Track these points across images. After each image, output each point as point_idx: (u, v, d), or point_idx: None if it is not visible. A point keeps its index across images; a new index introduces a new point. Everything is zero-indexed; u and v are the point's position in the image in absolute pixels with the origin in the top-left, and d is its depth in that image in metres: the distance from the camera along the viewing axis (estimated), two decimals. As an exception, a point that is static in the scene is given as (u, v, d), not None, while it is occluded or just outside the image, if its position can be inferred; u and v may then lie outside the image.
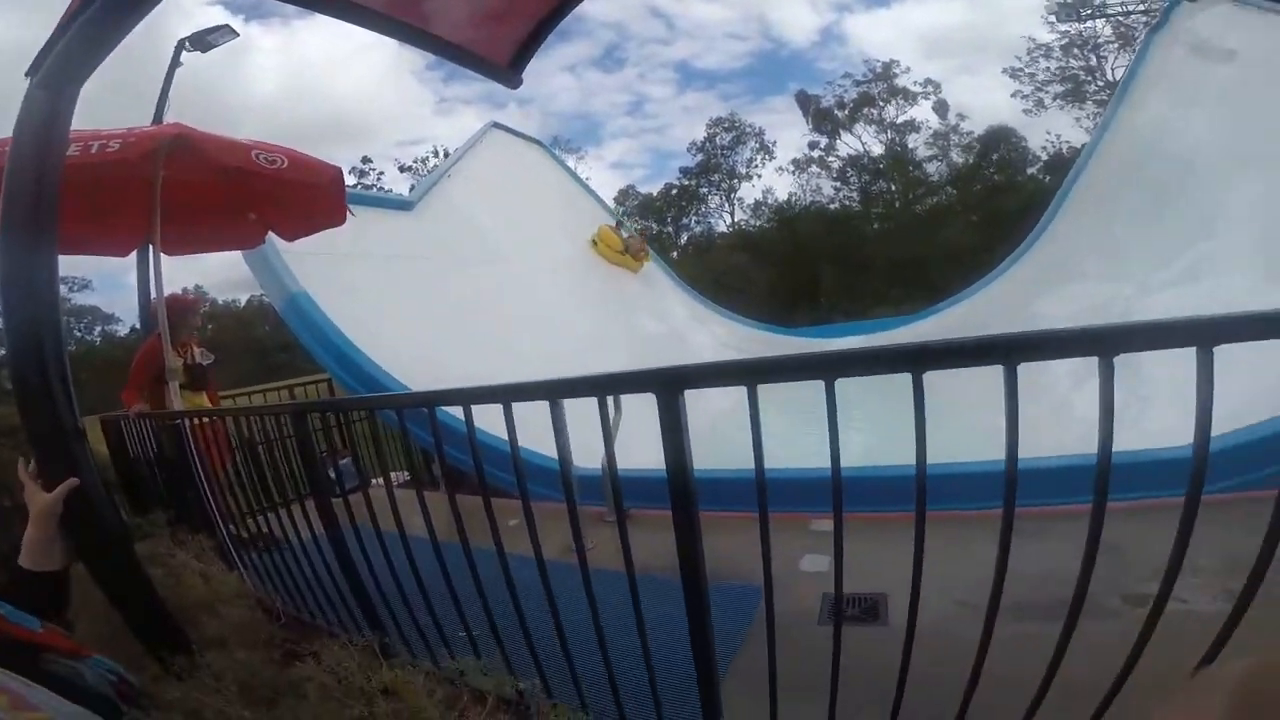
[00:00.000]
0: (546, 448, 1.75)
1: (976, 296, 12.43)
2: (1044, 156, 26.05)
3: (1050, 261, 11.10)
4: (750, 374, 1.20)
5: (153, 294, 3.77)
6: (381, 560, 2.06)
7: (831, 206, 29.39)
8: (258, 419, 2.68)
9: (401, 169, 32.23)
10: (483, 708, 1.76)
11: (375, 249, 7.88)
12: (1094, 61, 25.80)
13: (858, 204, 29.03)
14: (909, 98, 28.21)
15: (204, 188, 3.53)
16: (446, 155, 29.43)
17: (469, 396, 1.63)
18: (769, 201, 31.20)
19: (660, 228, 31.96)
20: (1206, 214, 7.77)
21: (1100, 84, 24.95)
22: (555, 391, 1.43)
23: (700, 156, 31.83)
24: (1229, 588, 1.17)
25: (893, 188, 28.55)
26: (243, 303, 37.97)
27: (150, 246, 3.74)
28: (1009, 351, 1.01)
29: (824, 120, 29.46)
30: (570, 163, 23.69)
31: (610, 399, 1.52)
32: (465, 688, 1.85)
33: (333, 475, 2.97)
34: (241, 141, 3.08)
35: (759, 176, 31.72)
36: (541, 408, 1.49)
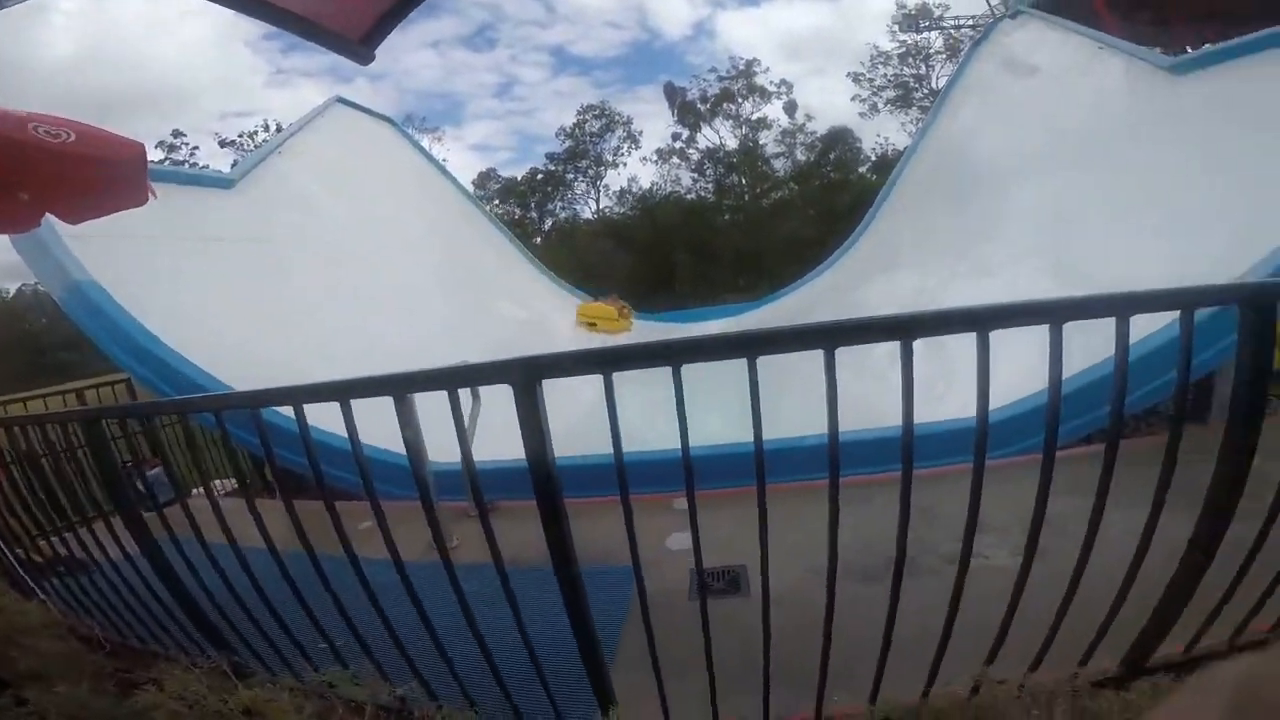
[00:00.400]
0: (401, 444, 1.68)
1: (809, 285, 13.72)
2: (873, 157, 28.94)
3: (872, 254, 12.46)
4: (606, 363, 1.24)
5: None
6: (216, 577, 1.87)
7: (689, 197, 30.50)
8: (36, 429, 2.29)
9: (222, 144, 28.49)
10: (361, 718, 1.67)
11: (185, 231, 6.87)
12: (923, 70, 28.99)
13: (712, 195, 30.38)
14: (764, 96, 29.87)
15: None
16: (279, 129, 26.54)
17: (301, 395, 1.51)
18: (633, 190, 31.73)
19: (523, 213, 31.25)
20: (998, 213, 8.87)
21: (926, 92, 27.96)
22: (400, 386, 1.37)
23: (569, 143, 31.50)
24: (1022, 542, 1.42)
25: (743, 181, 30.18)
26: (11, 292, 31.58)
27: None
28: (833, 336, 1.15)
29: (687, 113, 30.40)
30: (425, 142, 22.33)
31: (469, 390, 1.50)
32: (338, 700, 1.75)
33: (142, 488, 2.62)
34: (15, 112, 2.55)
35: (625, 165, 32.13)
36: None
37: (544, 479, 1.33)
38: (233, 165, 25.21)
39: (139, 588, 2.14)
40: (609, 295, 15.16)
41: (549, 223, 32.02)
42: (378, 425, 1.68)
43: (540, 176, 31.81)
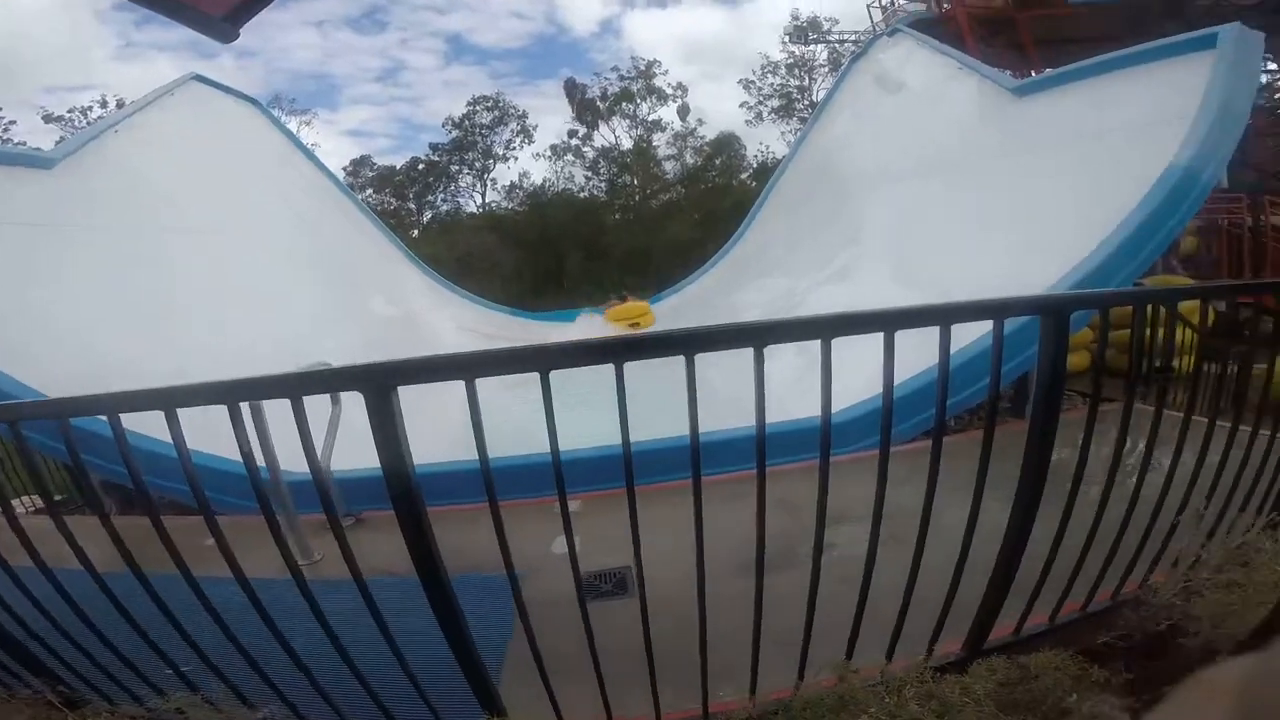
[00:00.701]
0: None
1: (690, 287, 14.20)
2: (755, 164, 30.30)
3: (747, 258, 13.09)
4: (465, 368, 1.18)
5: None
6: (24, 601, 1.63)
7: (581, 195, 30.37)
8: None
9: (47, 119, 24.46)
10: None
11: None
12: (806, 82, 30.48)
13: (604, 194, 30.50)
14: (661, 98, 30.25)
15: None
16: (120, 105, 23.09)
17: (117, 402, 1.31)
18: (524, 185, 31.03)
19: (400, 203, 29.60)
20: (860, 222, 9.48)
21: (807, 102, 29.35)
22: (239, 393, 1.22)
23: (456, 133, 30.14)
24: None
25: (635, 182, 30.56)
26: None
27: None
28: (687, 344, 1.18)
29: (586, 110, 30.17)
30: (293, 126, 20.43)
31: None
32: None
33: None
34: None
35: (516, 159, 31.34)
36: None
37: (402, 488, 1.26)
38: (58, 142, 21.66)
39: None
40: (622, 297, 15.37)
41: (429, 215, 30.62)
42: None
43: (422, 166, 30.23)
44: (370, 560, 1.58)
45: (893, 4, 17.79)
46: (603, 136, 30.72)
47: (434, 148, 30.37)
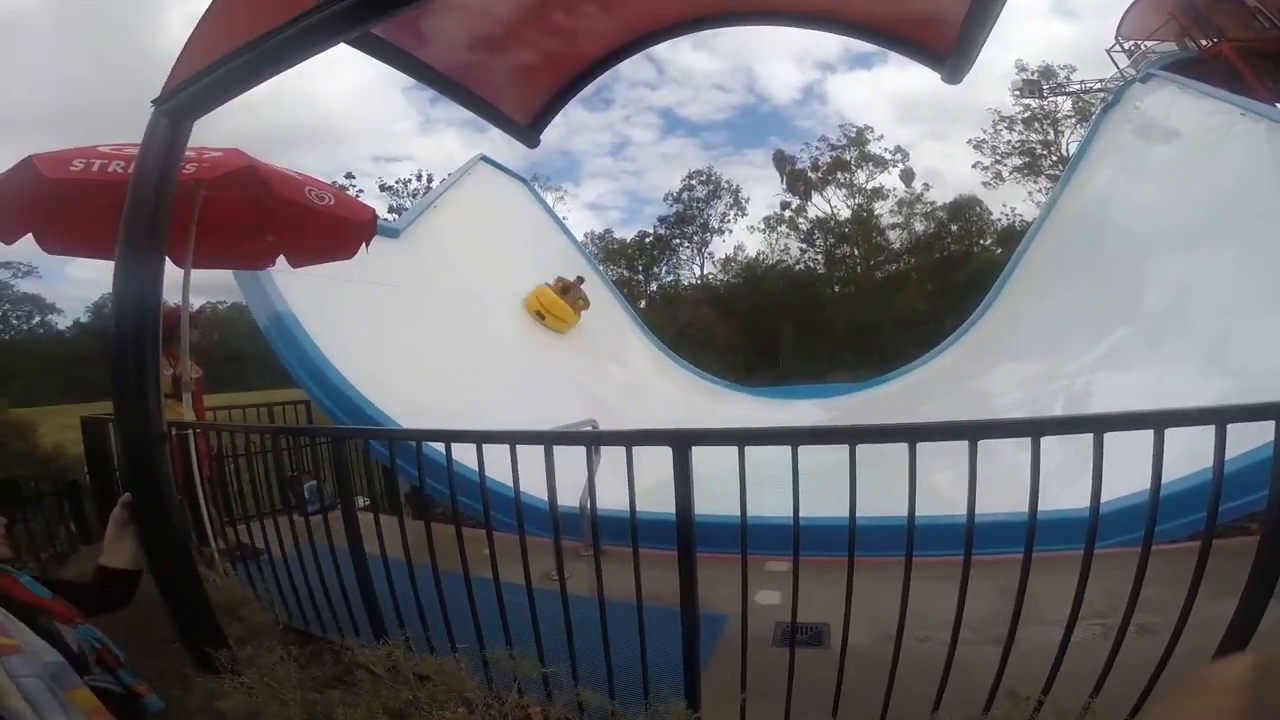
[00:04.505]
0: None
1: (922, 368, 13.12)
2: (998, 228, 27.37)
3: (994, 335, 11.65)
4: (737, 439, 1.58)
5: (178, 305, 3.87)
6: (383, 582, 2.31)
7: (797, 267, 30.29)
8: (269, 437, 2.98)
9: (382, 188, 32.01)
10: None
11: (358, 274, 8.06)
12: (1051, 136, 27.20)
13: (821, 266, 30.01)
14: (879, 164, 29.28)
15: (234, 208, 3.68)
16: (430, 180, 29.84)
17: (484, 437, 1.94)
18: (738, 257, 32.03)
19: (631, 274, 32.41)
20: (1135, 294, 8.11)
21: (1055, 159, 26.27)
22: (554, 439, 1.77)
23: (677, 207, 32.48)
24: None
25: (855, 252, 29.61)
26: (194, 308, 36.91)
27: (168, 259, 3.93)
28: (904, 434, 1.43)
29: (797, 181, 30.17)
30: (550, 200, 24.11)
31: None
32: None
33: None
34: (295, 176, 3.34)
35: (730, 231, 32.76)
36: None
37: (685, 529, 1.67)
38: (388, 209, 28.15)
39: (314, 580, 2.60)
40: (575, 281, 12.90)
41: (654, 286, 32.97)
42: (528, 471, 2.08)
43: (648, 240, 33.03)
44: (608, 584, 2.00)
45: (1138, 47, 15.65)
46: (817, 207, 30.41)
47: (661, 220, 32.97)
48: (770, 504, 1.71)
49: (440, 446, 2.01)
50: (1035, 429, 1.48)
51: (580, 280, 12.78)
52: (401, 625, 2.27)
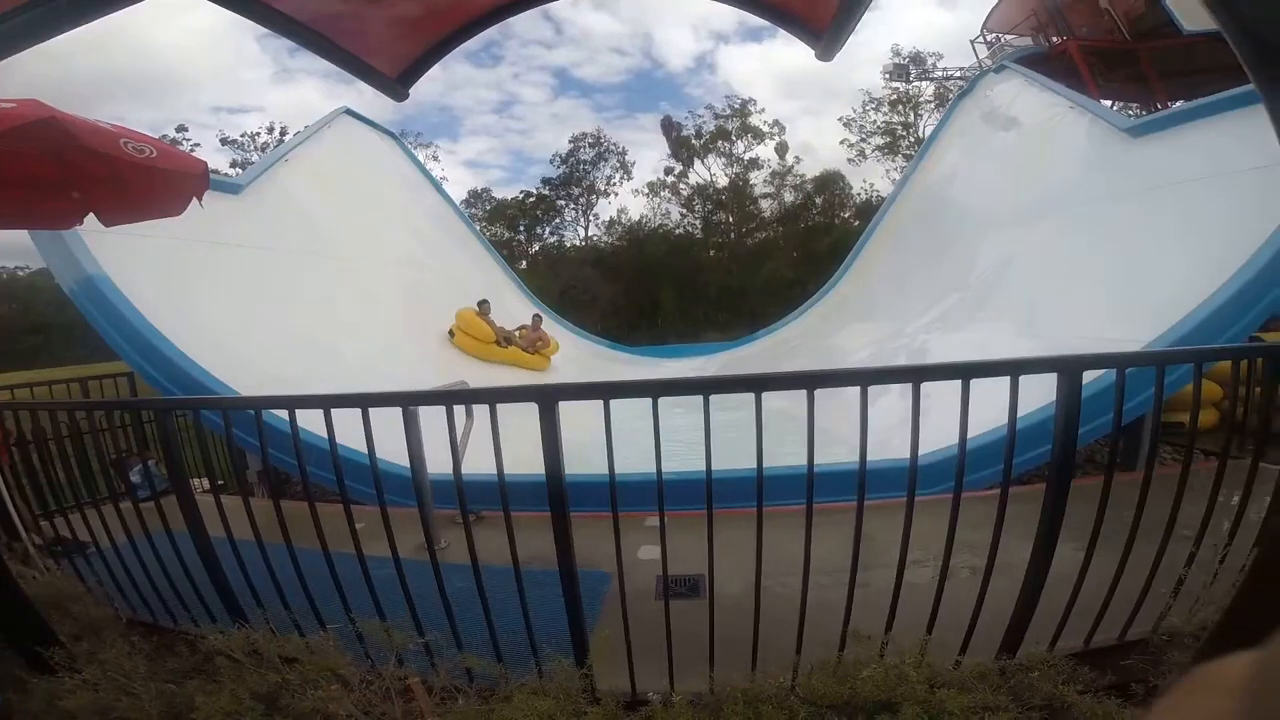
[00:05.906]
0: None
1: (785, 328, 14.22)
2: (857, 203, 29.50)
3: (848, 299, 12.97)
4: (602, 392, 1.65)
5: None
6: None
7: (677, 231, 31.01)
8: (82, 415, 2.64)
9: (224, 142, 28.30)
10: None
11: (189, 233, 7.14)
12: (911, 118, 29.41)
13: (699, 231, 30.99)
14: (758, 136, 30.26)
15: (32, 162, 3.15)
16: (284, 133, 26.75)
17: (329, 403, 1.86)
18: (622, 220, 32.17)
19: (512, 234, 31.59)
20: (967, 264, 9.23)
21: (913, 140, 28.32)
22: (413, 399, 1.75)
23: (563, 169, 31.88)
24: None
25: (730, 219, 30.86)
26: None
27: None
28: (761, 383, 1.58)
29: (682, 147, 30.66)
30: (422, 157, 22.66)
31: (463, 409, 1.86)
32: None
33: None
34: (109, 128, 2.88)
35: (616, 194, 32.65)
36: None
37: (556, 489, 1.71)
38: (231, 164, 25.02)
39: (155, 571, 2.42)
40: (532, 323, 11.87)
41: (536, 247, 32.37)
42: (388, 438, 2.02)
43: (532, 200, 32.21)
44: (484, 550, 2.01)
45: (998, 40, 17.40)
46: (698, 174, 31.25)
47: (545, 182, 32.23)
48: (646, 463, 1.80)
49: (285, 414, 1.87)
50: (863, 378, 1.66)
51: (538, 320, 12.18)
52: (261, 608, 2.16)
